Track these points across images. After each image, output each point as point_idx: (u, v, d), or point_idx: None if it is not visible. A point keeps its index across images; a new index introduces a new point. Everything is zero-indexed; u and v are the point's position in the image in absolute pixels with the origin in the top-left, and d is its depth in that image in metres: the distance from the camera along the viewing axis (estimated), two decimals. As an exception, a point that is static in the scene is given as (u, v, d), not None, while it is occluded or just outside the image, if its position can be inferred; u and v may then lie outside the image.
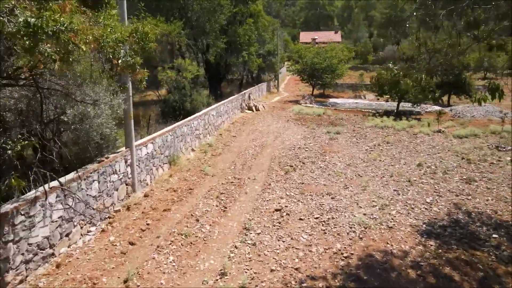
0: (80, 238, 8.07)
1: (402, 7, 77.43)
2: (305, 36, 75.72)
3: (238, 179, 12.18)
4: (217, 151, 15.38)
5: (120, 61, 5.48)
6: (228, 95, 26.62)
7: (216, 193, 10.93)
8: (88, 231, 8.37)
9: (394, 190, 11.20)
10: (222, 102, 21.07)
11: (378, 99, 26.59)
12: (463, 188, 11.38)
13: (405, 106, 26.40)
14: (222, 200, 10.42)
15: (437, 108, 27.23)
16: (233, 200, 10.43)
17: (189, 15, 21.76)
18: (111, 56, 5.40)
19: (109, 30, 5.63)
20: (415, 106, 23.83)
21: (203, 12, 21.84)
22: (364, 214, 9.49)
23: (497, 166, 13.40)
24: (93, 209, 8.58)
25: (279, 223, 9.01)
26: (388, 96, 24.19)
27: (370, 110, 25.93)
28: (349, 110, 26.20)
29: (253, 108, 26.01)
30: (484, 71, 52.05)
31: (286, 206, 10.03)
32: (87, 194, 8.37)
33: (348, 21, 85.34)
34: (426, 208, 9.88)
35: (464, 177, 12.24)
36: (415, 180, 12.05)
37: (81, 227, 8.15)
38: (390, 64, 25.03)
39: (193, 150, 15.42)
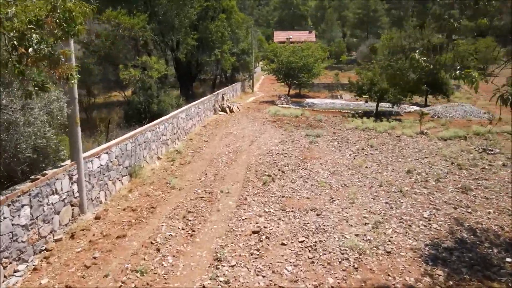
0: (2, 282, 6.23)
1: (375, 8, 77.93)
2: (279, 36, 74.64)
3: (210, 193, 10.55)
4: (186, 159, 13.66)
5: (30, 50, 3.80)
6: (200, 95, 24.87)
7: (183, 211, 9.26)
8: (15, 271, 6.53)
9: (386, 203, 9.89)
10: (193, 103, 19.33)
11: (358, 99, 25.58)
12: (460, 198, 10.22)
13: (384, 106, 25.52)
14: (190, 220, 8.77)
15: (415, 108, 26.52)
16: (202, 221, 8.80)
17: (155, 9, 19.87)
18: (15, 43, 3.73)
19: (18, 7, 3.94)
20: (394, 106, 22.97)
21: (171, 5, 20.01)
22: (356, 235, 8.09)
23: (490, 172, 12.40)
24: (23, 241, 6.75)
25: (258, 250, 7.46)
26: (368, 96, 23.19)
27: (348, 111, 24.86)
28: (327, 111, 25.04)
29: (227, 109, 24.37)
30: (453, 71, 52.38)
31: (265, 227, 8.50)
32: (13, 224, 6.53)
33: (321, 21, 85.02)
34: (425, 225, 8.60)
35: (459, 186, 11.11)
36: (407, 190, 10.81)
37: (4, 267, 6.32)
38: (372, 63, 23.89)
39: (159, 158, 13.64)
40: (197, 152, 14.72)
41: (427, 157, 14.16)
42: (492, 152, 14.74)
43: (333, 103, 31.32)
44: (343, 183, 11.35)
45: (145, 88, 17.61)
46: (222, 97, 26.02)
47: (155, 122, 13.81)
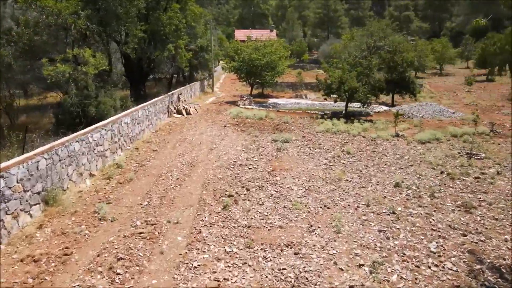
0: None
1: (335, 8, 77.64)
2: (240, 34, 72.20)
3: (152, 224, 7.91)
4: (128, 176, 10.85)
5: None
6: (154, 96, 21.90)
7: (110, 258, 6.58)
8: None
9: (380, 231, 7.75)
10: (142, 105, 16.42)
11: (326, 99, 23.67)
12: (465, 220, 8.29)
13: (353, 106, 23.84)
14: (119, 275, 6.12)
15: (384, 108, 25.08)
16: (137, 273, 6.18)
17: (94, -5, 16.74)
18: None
19: None
20: (365, 106, 21.28)
21: (113, -9, 16.94)
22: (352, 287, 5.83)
23: (486, 182, 10.67)
24: None
25: (215, 325, 4.98)
26: (336, 96, 21.34)
27: (316, 112, 22.91)
28: (293, 112, 22.94)
29: (183, 111, 21.57)
30: (415, 70, 52.70)
31: (225, 279, 6.04)
32: None
33: (282, 20, 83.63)
34: (436, 265, 6.51)
35: (459, 202, 9.22)
36: (400, 210, 8.75)
37: None
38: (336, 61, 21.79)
39: (91, 175, 10.74)
40: (142, 166, 11.93)
41: (411, 165, 12.29)
42: (479, 157, 13.18)
43: (299, 103, 29.38)
44: (323, 203, 9.11)
45: (80, 87, 14.53)
46: (178, 97, 23.18)
47: (86, 129, 10.89)
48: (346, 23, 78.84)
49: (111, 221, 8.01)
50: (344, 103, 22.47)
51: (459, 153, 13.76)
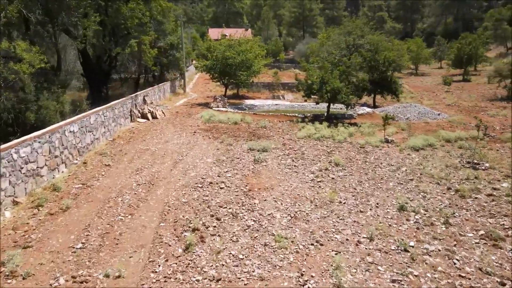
0: None
1: (310, 7, 76.40)
2: (214, 33, 69.61)
3: (81, 282, 5.61)
4: (64, 203, 8.41)
5: None
6: (118, 98, 19.30)
7: None
8: None
9: (393, 281, 5.76)
10: (95, 109, 13.89)
11: (306, 100, 21.75)
12: (497, 259, 6.44)
13: (334, 108, 22.06)
14: None
15: (367, 109, 23.43)
16: None
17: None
18: None
19: None
20: (349, 108, 19.49)
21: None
22: None
23: (502, 201, 8.94)
24: None
25: None
26: (318, 97, 19.46)
27: (296, 115, 20.94)
28: (271, 115, 20.86)
29: (149, 115, 19.11)
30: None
31: None
32: None
33: (257, 18, 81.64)
34: None
35: (481, 232, 7.38)
36: (413, 247, 6.81)
37: None
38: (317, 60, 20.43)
39: (15, 203, 8.25)
40: (87, 187, 9.51)
41: (411, 179, 10.46)
42: (483, 168, 11.53)
43: (276, 104, 27.38)
44: (314, 238, 7.06)
45: (15, 88, 11.90)
46: (144, 100, 20.67)
47: (8, 144, 8.39)
48: (322, 23, 77.72)
49: (23, 278, 5.65)
50: (325, 105, 20.62)
51: (460, 162, 12.09)
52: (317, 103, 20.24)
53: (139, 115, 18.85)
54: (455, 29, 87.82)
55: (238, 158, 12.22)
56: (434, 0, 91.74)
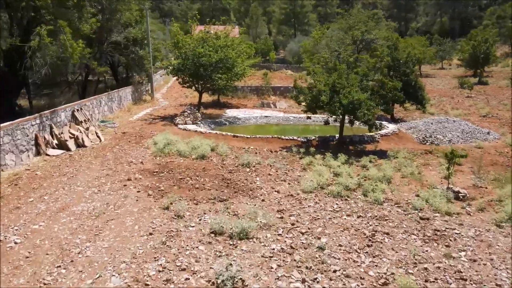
0: None
1: (302, 3, 69.88)
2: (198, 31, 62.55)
3: None
4: None
5: None
6: (46, 110, 12.47)
7: None
8: None
9: None
10: None
11: (309, 117, 14.80)
12: None
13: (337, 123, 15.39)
14: None
15: (391, 127, 16.80)
16: None
17: None
18: None
19: None
20: (373, 128, 12.76)
21: None
22: None
23: None
24: None
25: None
26: (328, 112, 12.77)
27: (294, 137, 14.16)
28: (259, 139, 14.03)
29: (71, 142, 12.20)
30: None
31: None
32: None
33: (245, 15, 74.71)
34: None
35: None
36: None
37: None
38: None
39: None
40: None
41: None
42: None
43: (266, 116, 20.69)
44: None
45: None
46: (73, 116, 13.77)
47: None
48: (314, 20, 71.12)
49: None
50: (334, 120, 13.91)
51: None
52: (327, 123, 13.51)
53: (54, 143, 11.92)
54: (452, 28, 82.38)
55: (187, 257, 5.50)
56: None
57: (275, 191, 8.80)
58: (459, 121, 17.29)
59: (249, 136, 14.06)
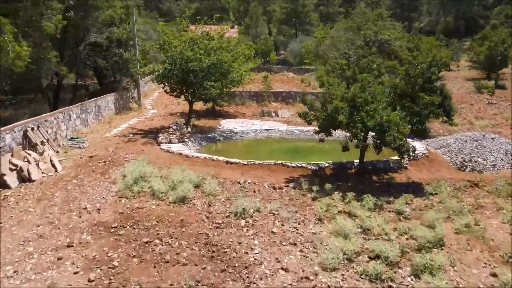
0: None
1: (303, 2, 66.88)
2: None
3: None
4: None
5: None
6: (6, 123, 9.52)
7: None
8: None
9: None
10: None
11: (322, 139, 11.60)
12: None
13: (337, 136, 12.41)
14: None
15: (420, 147, 13.73)
16: None
17: None
18: None
19: None
20: (405, 155, 9.78)
21: None
22: None
23: None
24: None
25: None
26: (348, 133, 9.78)
27: (302, 164, 11.08)
28: (259, 166, 10.99)
29: (11, 176, 9.23)
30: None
31: None
32: None
33: (245, 15, 71.63)
34: None
35: None
36: None
37: None
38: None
39: None
40: None
41: None
42: None
43: (267, 130, 17.76)
44: None
45: None
46: (26, 137, 10.81)
47: None
48: (316, 20, 68.05)
49: None
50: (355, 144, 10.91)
51: None
52: (345, 149, 10.48)
53: (-11, 178, 8.94)
54: (456, 28, 79.31)
55: None
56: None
57: (282, 269, 5.84)
58: (498, 138, 14.31)
59: (246, 163, 11.06)
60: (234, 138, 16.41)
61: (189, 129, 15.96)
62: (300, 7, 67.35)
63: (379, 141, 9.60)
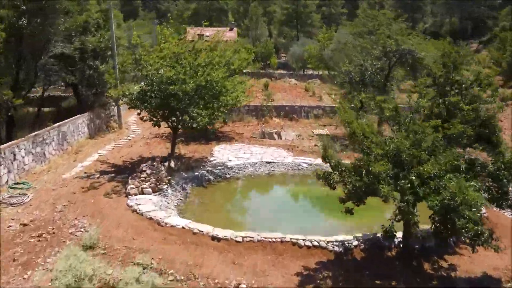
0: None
1: (305, 2, 63.39)
2: (192, 33, 55.98)
3: None
4: None
5: None
6: None
7: None
8: None
9: None
10: None
11: (348, 208, 8.37)
12: None
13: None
14: None
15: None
16: None
17: None
18: None
19: None
20: (484, 244, 6.55)
21: None
22: None
23: None
24: None
25: None
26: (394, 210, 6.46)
27: (321, 243, 7.65)
28: (260, 246, 7.40)
29: None
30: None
31: None
32: None
33: (245, 16, 67.97)
34: None
35: None
36: None
37: None
38: None
39: None
40: None
41: None
42: None
43: (269, 162, 14.23)
44: None
45: None
46: None
47: None
48: (318, 21, 64.46)
49: None
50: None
51: None
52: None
53: None
54: (463, 29, 75.70)
55: None
56: (438, -3, 79.52)
57: None
58: None
59: (240, 240, 7.61)
60: (227, 175, 12.96)
61: (172, 164, 12.52)
62: (302, 7, 63.83)
63: (442, 226, 6.17)
